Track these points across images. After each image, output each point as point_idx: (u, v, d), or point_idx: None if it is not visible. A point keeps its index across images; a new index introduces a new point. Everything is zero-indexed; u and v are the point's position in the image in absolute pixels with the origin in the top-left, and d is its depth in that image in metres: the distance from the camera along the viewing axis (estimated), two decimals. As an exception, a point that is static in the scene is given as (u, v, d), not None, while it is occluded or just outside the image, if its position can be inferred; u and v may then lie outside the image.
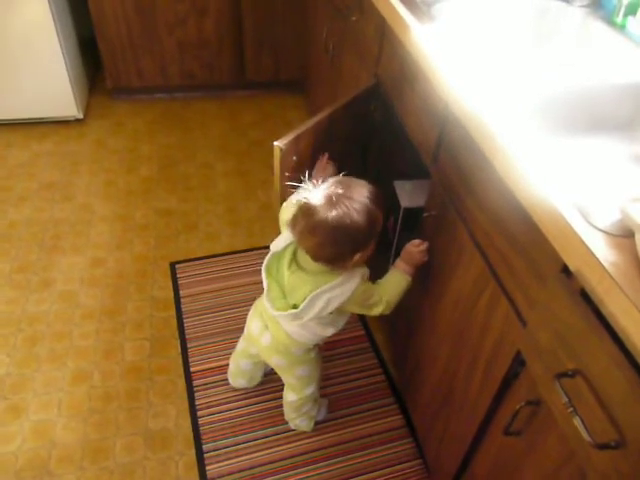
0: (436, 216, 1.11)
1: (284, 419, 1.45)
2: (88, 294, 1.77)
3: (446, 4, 1.18)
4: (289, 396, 1.38)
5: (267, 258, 1.15)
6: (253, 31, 2.46)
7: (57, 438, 1.42)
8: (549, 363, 0.72)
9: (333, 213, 0.99)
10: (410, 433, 1.46)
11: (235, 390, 1.53)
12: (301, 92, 2.65)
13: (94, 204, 2.10)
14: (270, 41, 2.51)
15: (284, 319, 1.16)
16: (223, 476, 1.35)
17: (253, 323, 1.29)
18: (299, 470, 1.37)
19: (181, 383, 1.55)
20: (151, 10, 2.32)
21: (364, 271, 1.11)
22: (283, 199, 1.24)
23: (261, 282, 1.17)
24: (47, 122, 2.46)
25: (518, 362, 0.85)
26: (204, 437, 1.42)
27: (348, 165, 1.18)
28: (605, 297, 0.61)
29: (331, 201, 1.00)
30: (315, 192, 1.03)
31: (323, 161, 1.28)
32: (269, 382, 1.52)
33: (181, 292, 1.78)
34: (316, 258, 1.06)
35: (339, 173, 1.10)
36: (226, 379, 1.53)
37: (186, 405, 1.50)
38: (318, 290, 1.06)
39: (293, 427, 1.45)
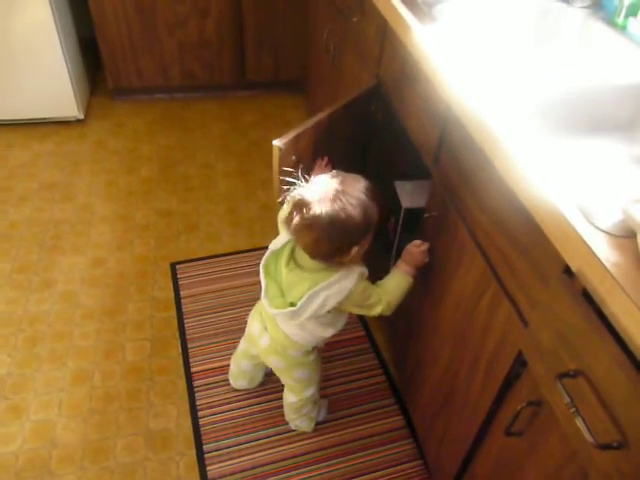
0: (437, 217, 1.11)
1: (285, 419, 1.45)
2: (89, 294, 1.77)
3: (447, 5, 1.18)
4: (289, 398, 1.38)
5: (265, 257, 1.15)
6: (254, 31, 2.46)
7: (58, 438, 1.42)
8: (551, 363, 0.72)
9: (329, 208, 0.99)
10: (411, 434, 1.46)
11: (236, 390, 1.53)
12: (301, 92, 2.65)
13: (95, 204, 2.10)
14: (270, 41, 2.51)
15: (282, 318, 1.16)
16: (224, 476, 1.35)
17: (253, 324, 1.29)
18: (300, 470, 1.38)
19: (182, 383, 1.55)
20: (152, 10, 2.33)
21: (362, 270, 1.11)
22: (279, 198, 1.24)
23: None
24: (48, 122, 2.46)
25: (519, 362, 0.85)
26: (205, 437, 1.42)
27: (348, 165, 1.18)
28: (607, 297, 0.61)
29: (326, 196, 1.00)
30: (309, 188, 1.04)
31: (322, 164, 1.28)
32: (270, 382, 1.52)
33: (182, 292, 1.78)
34: (313, 255, 1.06)
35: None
36: (227, 379, 1.54)
37: (187, 405, 1.50)
38: (316, 287, 1.06)
39: (294, 428, 1.45)
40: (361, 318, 1.73)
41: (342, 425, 1.48)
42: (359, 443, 1.44)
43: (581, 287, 0.66)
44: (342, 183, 1.03)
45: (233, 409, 1.49)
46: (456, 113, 0.94)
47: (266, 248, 1.16)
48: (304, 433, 1.45)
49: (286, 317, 1.13)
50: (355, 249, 1.05)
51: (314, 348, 1.29)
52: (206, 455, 1.39)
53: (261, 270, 1.15)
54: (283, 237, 1.13)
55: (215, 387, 1.53)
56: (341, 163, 1.27)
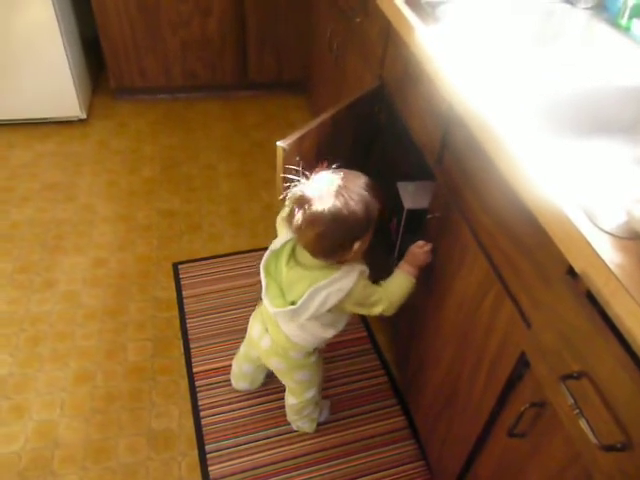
0: (440, 218, 1.11)
1: (286, 420, 1.45)
2: (90, 294, 1.78)
3: (451, 6, 1.18)
4: (290, 399, 1.38)
5: (265, 256, 1.15)
6: (256, 31, 2.47)
7: (60, 438, 1.42)
8: (554, 364, 0.72)
9: (331, 203, 1.00)
10: (413, 434, 1.46)
11: (237, 391, 1.52)
12: (303, 93, 2.66)
13: (96, 204, 2.10)
14: (273, 41, 2.52)
15: (283, 317, 1.15)
16: (226, 477, 1.35)
17: (254, 326, 1.29)
18: (302, 471, 1.37)
19: (184, 383, 1.55)
20: (154, 10, 2.33)
21: (363, 268, 1.11)
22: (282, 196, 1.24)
23: (263, 283, 1.17)
24: (50, 122, 2.46)
25: (522, 363, 0.85)
26: (207, 437, 1.42)
27: (351, 166, 1.18)
28: (611, 299, 0.61)
29: (328, 192, 1.01)
30: (310, 184, 1.04)
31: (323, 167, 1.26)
32: (272, 383, 1.51)
33: (184, 293, 1.78)
34: (315, 252, 1.06)
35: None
36: (229, 380, 1.53)
37: (189, 406, 1.50)
38: (317, 285, 1.06)
39: (295, 428, 1.45)
40: (363, 319, 1.73)
41: (344, 426, 1.47)
42: (361, 444, 1.44)
43: (585, 288, 0.66)
44: (343, 179, 1.04)
45: (235, 409, 1.49)
46: (459, 114, 0.94)
47: (268, 249, 1.16)
48: (306, 434, 1.45)
49: (286, 316, 1.13)
50: (357, 245, 1.05)
51: (315, 350, 1.29)
52: (208, 455, 1.39)
53: (261, 270, 1.15)
54: (283, 237, 1.14)
55: (217, 387, 1.53)
56: (344, 164, 1.27)
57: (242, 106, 2.67)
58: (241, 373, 1.48)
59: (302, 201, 1.02)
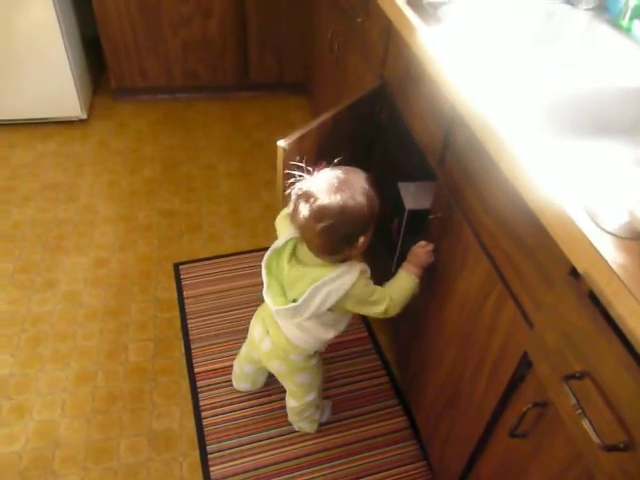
0: (442, 218, 1.11)
1: (288, 420, 1.45)
2: (92, 295, 1.78)
3: (452, 6, 1.19)
4: (290, 402, 1.38)
5: (267, 255, 1.15)
6: (257, 32, 2.47)
7: (61, 438, 1.42)
8: (557, 365, 0.72)
9: (337, 197, 1.00)
10: (414, 435, 1.46)
11: (239, 392, 1.53)
12: (304, 93, 2.66)
13: (97, 205, 2.10)
14: (273, 42, 2.52)
15: (284, 315, 1.14)
16: (227, 477, 1.35)
17: (255, 329, 1.29)
18: (303, 471, 1.38)
19: (185, 384, 1.55)
20: (155, 10, 2.33)
21: (364, 267, 1.11)
22: (284, 200, 1.24)
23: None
24: (50, 122, 2.46)
25: (525, 364, 0.85)
26: (208, 438, 1.42)
27: (352, 166, 1.18)
28: (613, 299, 0.61)
29: (332, 186, 1.02)
30: (313, 180, 1.05)
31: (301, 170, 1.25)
32: (273, 383, 1.51)
33: (185, 293, 1.78)
34: (320, 249, 1.06)
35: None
36: (230, 380, 1.54)
37: (190, 406, 1.50)
38: (319, 282, 1.06)
39: (297, 429, 1.45)
40: (364, 319, 1.73)
41: (345, 426, 1.48)
42: (362, 444, 1.44)
43: (587, 289, 0.66)
44: (344, 174, 1.05)
45: (236, 410, 1.49)
46: (461, 114, 0.94)
47: (268, 249, 1.16)
48: (307, 434, 1.45)
49: (288, 314, 1.12)
50: (362, 240, 1.06)
51: (316, 353, 1.29)
52: (209, 456, 1.39)
53: (263, 268, 1.15)
54: (285, 235, 1.14)
55: (218, 388, 1.53)
56: (345, 164, 1.27)
57: (242, 106, 2.68)
58: (242, 374, 1.48)
59: (307, 196, 1.02)
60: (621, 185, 0.79)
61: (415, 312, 1.29)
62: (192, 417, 1.47)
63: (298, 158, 1.23)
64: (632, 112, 1.00)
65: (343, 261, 1.09)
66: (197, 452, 1.41)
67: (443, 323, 1.16)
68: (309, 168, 1.06)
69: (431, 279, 1.18)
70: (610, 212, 0.68)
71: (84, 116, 2.47)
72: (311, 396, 1.34)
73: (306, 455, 1.41)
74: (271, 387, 1.53)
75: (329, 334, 1.19)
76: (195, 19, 2.38)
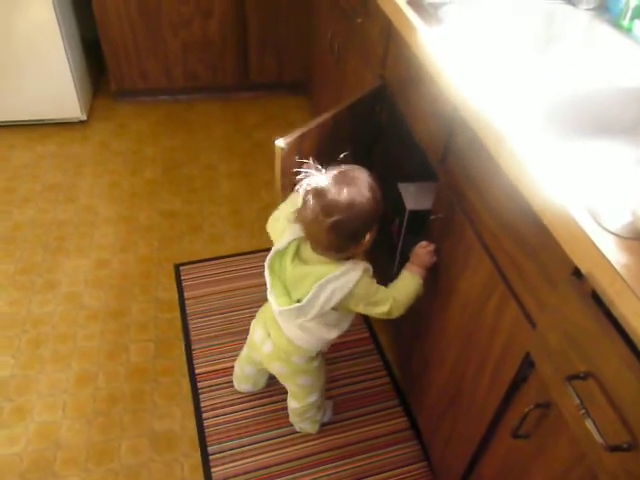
0: (443, 219, 1.11)
1: (289, 421, 1.45)
2: (92, 295, 1.78)
3: (453, 6, 1.19)
4: (292, 403, 1.38)
5: (269, 256, 1.15)
6: (257, 32, 2.47)
7: (62, 440, 1.42)
8: (560, 365, 0.72)
9: (346, 192, 1.02)
10: (415, 435, 1.46)
11: (240, 392, 1.52)
12: (304, 93, 2.66)
13: (98, 206, 2.10)
14: (273, 42, 2.52)
15: (288, 316, 1.14)
16: (229, 478, 1.35)
17: (256, 331, 1.29)
18: (304, 472, 1.37)
19: (186, 385, 1.55)
20: (155, 12, 2.33)
21: (367, 265, 1.11)
22: (284, 199, 1.25)
23: (266, 284, 1.17)
24: (50, 124, 2.46)
25: (527, 364, 0.85)
26: (209, 439, 1.42)
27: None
28: (616, 299, 0.61)
29: (342, 182, 1.03)
30: (321, 176, 1.05)
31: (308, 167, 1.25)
32: (274, 384, 1.51)
33: (185, 294, 1.78)
34: (326, 246, 1.06)
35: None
36: (231, 381, 1.53)
37: (191, 407, 1.50)
38: (323, 280, 1.06)
39: (298, 429, 1.45)
40: (366, 319, 1.73)
41: (347, 427, 1.47)
42: (364, 445, 1.44)
43: (590, 289, 0.66)
44: (350, 170, 1.06)
45: (237, 410, 1.49)
46: (462, 114, 0.94)
47: (269, 249, 1.16)
48: (308, 435, 1.45)
49: (292, 314, 1.12)
50: (368, 236, 1.07)
51: (318, 354, 1.28)
52: (211, 457, 1.39)
53: (266, 269, 1.15)
54: (287, 237, 1.13)
55: (219, 389, 1.53)
56: (345, 164, 1.27)
57: (243, 107, 2.68)
58: (243, 375, 1.48)
59: (317, 191, 1.03)
60: (623, 185, 0.79)
61: (417, 312, 1.28)
62: (193, 418, 1.47)
63: (297, 158, 1.23)
64: (633, 112, 1.00)
65: (347, 259, 1.09)
66: (198, 453, 1.41)
67: (445, 323, 1.16)
68: (318, 165, 1.07)
69: (433, 279, 1.18)
70: (613, 212, 0.68)
71: (84, 117, 2.47)
72: (313, 397, 1.34)
73: (307, 456, 1.41)
74: (272, 388, 1.53)
75: (332, 334, 1.19)
76: (195, 20, 2.38)
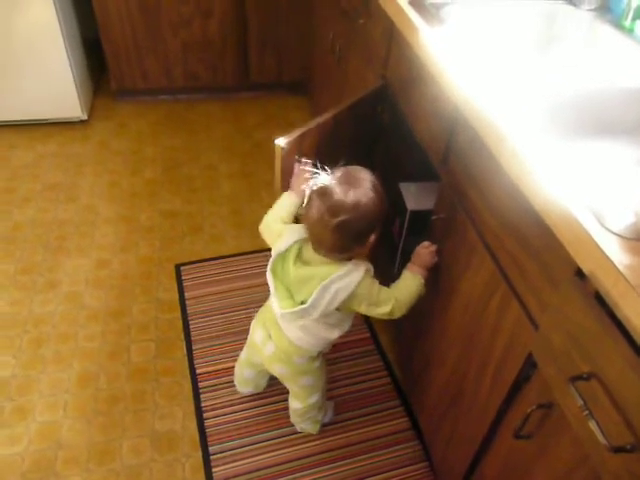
0: (445, 219, 1.11)
1: (290, 421, 1.45)
2: (93, 296, 1.77)
3: (455, 7, 1.19)
4: (294, 403, 1.38)
5: (271, 260, 1.15)
6: (257, 32, 2.47)
7: (63, 440, 1.42)
8: (563, 366, 0.72)
9: (352, 193, 1.02)
10: (416, 435, 1.46)
11: (241, 393, 1.52)
12: (304, 93, 2.66)
13: (98, 205, 2.10)
14: (273, 42, 2.52)
15: (291, 318, 1.15)
16: (230, 478, 1.35)
17: (256, 332, 1.29)
18: (305, 472, 1.37)
19: (187, 385, 1.55)
20: (155, 11, 2.33)
21: (368, 266, 1.12)
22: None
23: (266, 284, 1.17)
24: (51, 123, 2.46)
25: (529, 365, 0.85)
26: (210, 439, 1.42)
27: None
28: (620, 300, 0.61)
29: (348, 183, 1.04)
30: (326, 177, 1.06)
31: (300, 167, 1.22)
32: (275, 384, 1.51)
33: (186, 294, 1.78)
34: (331, 246, 1.06)
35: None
36: (232, 381, 1.53)
37: (192, 407, 1.50)
38: (326, 280, 1.07)
39: (299, 430, 1.45)
40: (367, 320, 1.73)
41: (347, 427, 1.47)
42: (365, 445, 1.44)
43: (593, 290, 0.67)
44: (354, 171, 1.07)
45: (238, 411, 1.49)
46: (464, 115, 0.94)
47: (270, 249, 1.16)
48: (309, 435, 1.45)
49: (296, 316, 1.12)
50: (372, 237, 1.08)
51: (319, 354, 1.28)
52: (212, 457, 1.39)
53: (268, 272, 1.15)
54: (287, 239, 1.13)
55: (220, 389, 1.53)
56: (346, 164, 1.27)
57: (243, 107, 2.67)
58: (243, 378, 1.48)
59: (323, 191, 1.04)
60: (626, 186, 0.79)
61: (419, 312, 1.28)
62: (194, 418, 1.47)
63: (297, 157, 1.23)
64: (634, 113, 1.00)
65: (349, 260, 1.10)
66: (199, 453, 1.41)
67: (447, 323, 1.16)
68: (324, 166, 1.07)
69: (435, 279, 1.18)
70: (615, 213, 0.68)
71: (84, 117, 2.46)
72: (314, 398, 1.34)
73: (308, 456, 1.41)
74: (273, 388, 1.53)
75: (334, 334, 1.19)
76: (195, 20, 2.38)
